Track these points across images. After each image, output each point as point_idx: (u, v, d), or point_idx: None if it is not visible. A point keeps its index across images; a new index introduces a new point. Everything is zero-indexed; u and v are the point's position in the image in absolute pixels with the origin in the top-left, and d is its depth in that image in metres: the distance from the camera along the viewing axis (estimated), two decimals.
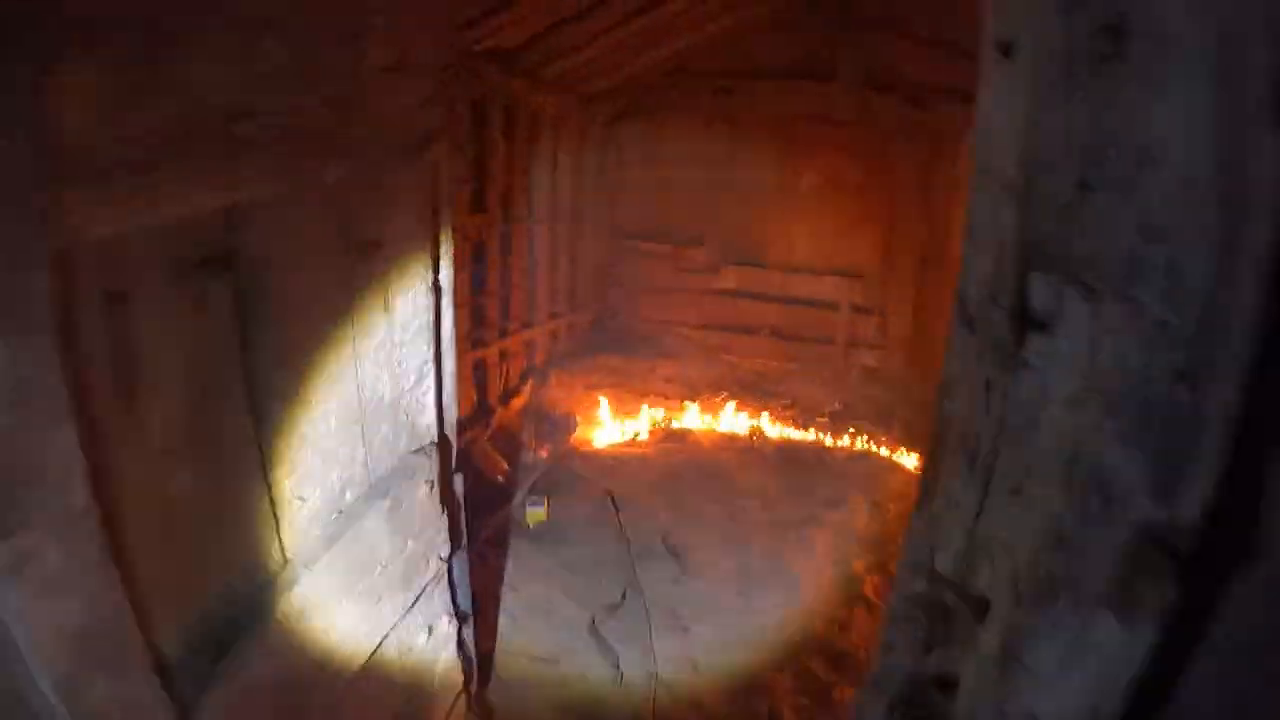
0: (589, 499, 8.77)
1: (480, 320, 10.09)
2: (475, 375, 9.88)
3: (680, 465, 9.67)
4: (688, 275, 13.03)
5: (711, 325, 13.16)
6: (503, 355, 10.66)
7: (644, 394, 11.70)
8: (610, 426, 10.83)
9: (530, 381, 11.27)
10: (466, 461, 8.82)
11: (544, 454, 9.87)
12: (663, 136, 12.82)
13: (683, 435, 10.81)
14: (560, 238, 11.94)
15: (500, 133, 9.92)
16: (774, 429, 11.33)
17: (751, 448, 10.61)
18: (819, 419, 11.58)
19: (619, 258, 13.23)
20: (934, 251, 12.07)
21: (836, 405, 11.88)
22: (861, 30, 11.50)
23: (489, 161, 9.75)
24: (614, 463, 9.64)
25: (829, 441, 11.05)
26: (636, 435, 10.76)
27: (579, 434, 10.59)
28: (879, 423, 11.43)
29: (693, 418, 11.31)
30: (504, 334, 10.65)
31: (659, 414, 11.27)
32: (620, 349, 12.68)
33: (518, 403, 10.84)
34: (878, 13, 11.23)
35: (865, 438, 11.05)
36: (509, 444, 9.98)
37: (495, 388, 10.50)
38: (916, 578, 2.41)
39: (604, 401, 11.26)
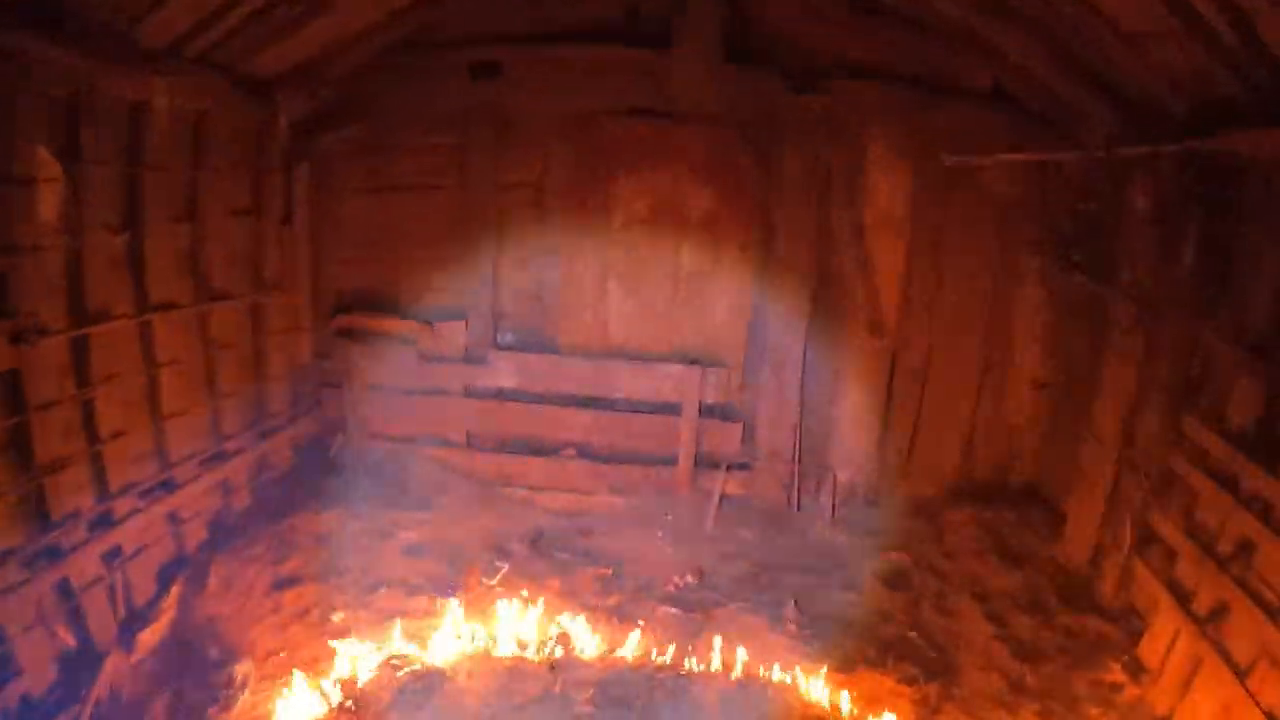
0: None
1: (43, 517, 5.92)
2: (65, 611, 6.18)
3: None
4: (441, 368, 9.30)
5: (483, 444, 9.52)
6: (113, 558, 6.54)
7: (373, 587, 7.69)
8: (310, 684, 6.71)
9: (177, 588, 7.11)
10: None
11: None
12: (396, 148, 8.98)
13: (431, 683, 6.83)
14: (221, 325, 7.77)
15: (53, 154, 5.67)
16: (591, 639, 7.51)
17: (552, 694, 6.88)
18: (663, 607, 7.93)
19: (333, 344, 9.30)
20: (830, 313, 9.04)
21: (689, 576, 8.32)
22: None
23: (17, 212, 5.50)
24: None
25: (686, 660, 7.37)
26: (352, 694, 6.64)
27: (251, 699, 6.51)
28: (757, 602, 8.03)
29: (450, 634, 7.39)
30: (106, 521, 6.46)
31: (392, 644, 7.24)
32: (337, 497, 8.69)
33: (151, 637, 6.69)
34: None
35: (742, 648, 7.41)
36: None
37: (106, 619, 6.49)
38: None
39: (300, 615, 7.26)
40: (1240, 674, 5.56)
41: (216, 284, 7.55)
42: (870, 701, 6.92)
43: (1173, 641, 6.39)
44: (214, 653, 6.88)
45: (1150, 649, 6.72)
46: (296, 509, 8.36)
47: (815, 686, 7.11)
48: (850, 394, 9.03)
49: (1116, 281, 7.47)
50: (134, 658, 6.47)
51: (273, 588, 7.47)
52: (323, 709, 6.58)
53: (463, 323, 9.12)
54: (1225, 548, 6.00)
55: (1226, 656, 5.71)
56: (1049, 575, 7.93)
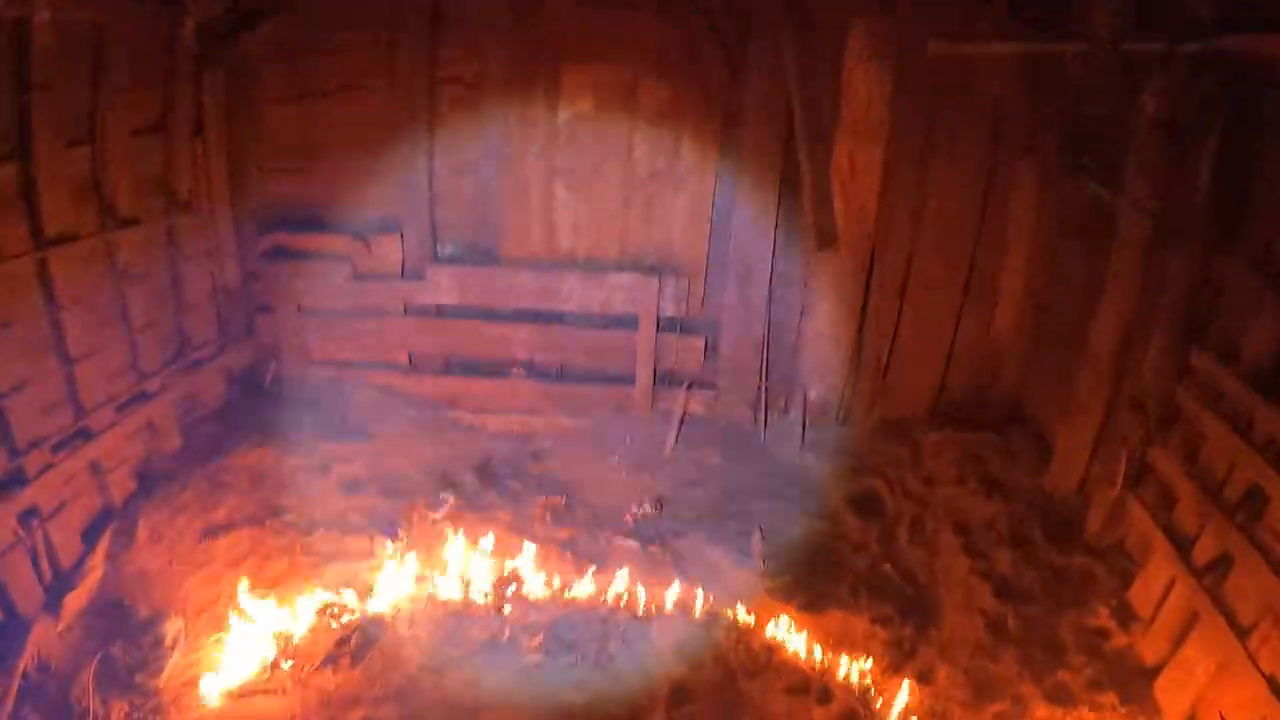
0: None
1: None
2: None
3: None
4: (377, 286, 8.95)
5: (426, 366, 9.26)
6: (30, 519, 6.33)
7: (310, 529, 7.57)
8: (243, 639, 6.73)
9: (104, 544, 6.94)
10: None
11: None
12: (319, 49, 8.42)
13: (370, 633, 6.89)
14: (131, 253, 7.35)
15: None
16: (542, 578, 7.51)
17: (500, 641, 6.97)
18: (620, 540, 7.87)
19: (262, 265, 8.84)
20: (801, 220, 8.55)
21: (647, 506, 8.24)
22: None
23: None
24: None
25: (641, 597, 7.41)
26: (287, 649, 6.70)
27: (182, 661, 6.48)
28: (721, 533, 7.98)
29: (392, 577, 7.38)
30: (17, 480, 6.24)
31: (330, 592, 7.26)
32: (273, 431, 8.38)
33: (78, 600, 6.56)
34: None
35: (704, 586, 7.46)
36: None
37: (30, 585, 6.32)
38: None
39: (234, 565, 7.19)
40: (1241, 633, 5.44)
41: (123, 210, 7.12)
42: (842, 644, 6.91)
43: (1167, 590, 6.28)
44: (144, 611, 6.77)
45: (1142, 595, 6.62)
46: (230, 447, 8.09)
47: (783, 628, 7.10)
48: (822, 307, 8.75)
49: (1128, 193, 7.02)
50: (61, 624, 6.34)
51: (205, 536, 7.30)
52: (256, 667, 6.57)
53: (398, 236, 8.71)
54: (1232, 494, 5.83)
55: (1227, 612, 5.60)
56: (1033, 507, 7.79)
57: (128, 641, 6.47)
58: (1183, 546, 6.16)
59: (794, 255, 8.70)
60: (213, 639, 6.67)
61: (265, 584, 7.09)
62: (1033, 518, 7.65)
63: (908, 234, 8.55)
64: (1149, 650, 6.34)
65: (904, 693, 6.45)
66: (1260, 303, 5.77)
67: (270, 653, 6.64)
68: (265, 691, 6.38)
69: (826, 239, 8.25)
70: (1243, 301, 6.01)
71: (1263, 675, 5.16)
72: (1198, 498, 6.09)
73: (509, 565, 7.53)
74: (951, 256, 8.65)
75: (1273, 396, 5.56)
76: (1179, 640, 6.05)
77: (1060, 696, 6.21)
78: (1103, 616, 6.70)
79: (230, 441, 8.14)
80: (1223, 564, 5.78)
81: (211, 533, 7.32)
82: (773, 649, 6.99)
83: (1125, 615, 6.65)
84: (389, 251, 8.76)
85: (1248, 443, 5.70)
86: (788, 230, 8.59)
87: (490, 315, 9.01)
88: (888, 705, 6.47)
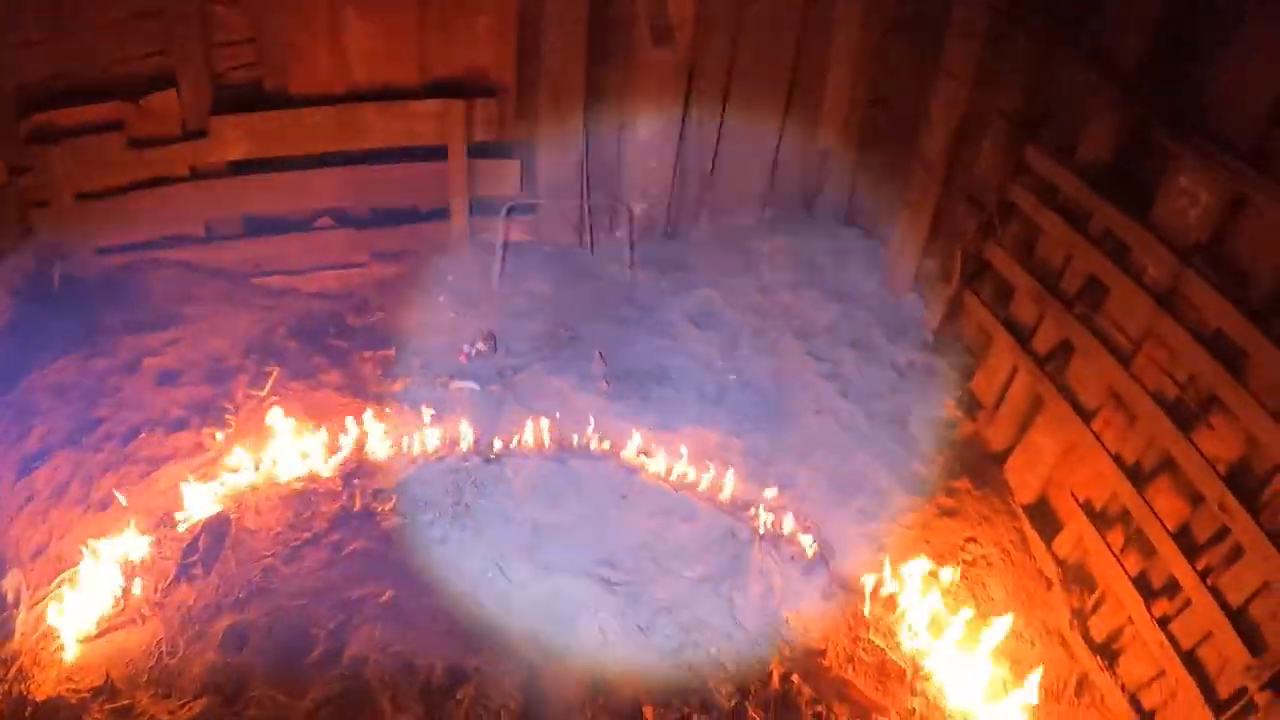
0: None
1: None
2: None
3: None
4: (158, 151, 8.47)
5: (225, 233, 9.02)
6: None
7: (131, 435, 7.54)
8: (87, 574, 6.71)
9: None
10: None
11: None
12: None
13: (217, 532, 7.06)
14: None
15: None
16: (380, 439, 7.70)
17: (350, 513, 7.23)
18: (457, 383, 8.22)
19: (30, 154, 8.17)
20: (614, 25, 8.64)
21: (479, 344, 8.57)
22: None
23: None
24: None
25: (490, 439, 7.77)
26: (132, 572, 6.80)
27: (28, 616, 6.46)
28: (560, 361, 8.43)
29: (228, 468, 7.50)
30: None
31: (165, 498, 7.33)
32: (72, 338, 8.08)
33: None
34: None
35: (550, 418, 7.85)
36: None
37: None
38: None
39: (58, 496, 7.09)
40: (1085, 415, 6.14)
41: None
42: (698, 457, 7.44)
43: (1009, 379, 6.97)
44: None
45: (985, 385, 7.33)
46: (28, 367, 7.72)
47: (635, 448, 7.57)
48: (642, 118, 8.89)
49: None
50: None
51: (20, 471, 7.08)
52: (107, 600, 6.63)
53: (172, 90, 8.22)
54: (1070, 286, 6.40)
55: (1070, 397, 6.28)
56: (871, 309, 8.43)
57: None
58: (1022, 337, 6.82)
59: (608, 64, 8.73)
60: (56, 582, 6.65)
61: (96, 507, 7.08)
62: (871, 319, 8.32)
63: (728, 37, 8.66)
64: (996, 437, 7.12)
65: (771, 492, 7.11)
66: (1099, 99, 6.16)
67: (119, 581, 6.70)
68: (124, 624, 6.50)
69: (662, 33, 8.36)
70: (1082, 99, 6.40)
71: (1109, 453, 5.89)
72: (1035, 290, 6.67)
73: (347, 430, 7.69)
74: (775, 59, 8.85)
75: (1110, 194, 6.04)
76: (1025, 426, 6.81)
77: (918, 485, 6.98)
78: (949, 408, 7.46)
79: (27, 360, 7.78)
80: (1063, 352, 6.46)
81: (27, 466, 7.13)
82: (632, 471, 7.49)
83: (970, 405, 7.42)
84: (165, 109, 8.28)
85: (1085, 237, 6.21)
86: (600, 37, 8.57)
87: (287, 164, 8.76)
88: (755, 515, 7.07)
